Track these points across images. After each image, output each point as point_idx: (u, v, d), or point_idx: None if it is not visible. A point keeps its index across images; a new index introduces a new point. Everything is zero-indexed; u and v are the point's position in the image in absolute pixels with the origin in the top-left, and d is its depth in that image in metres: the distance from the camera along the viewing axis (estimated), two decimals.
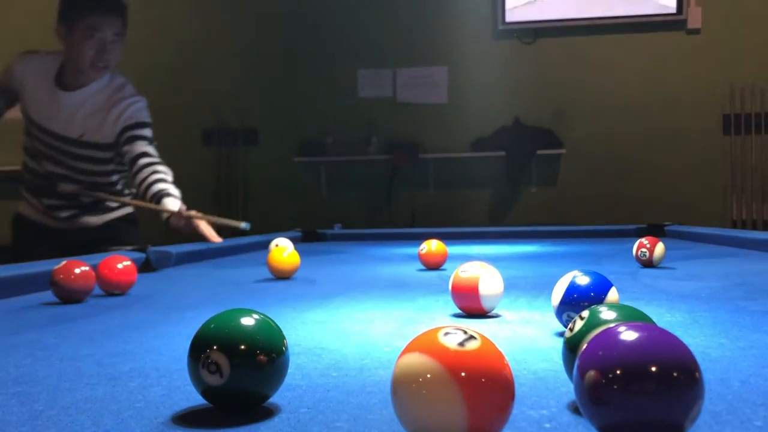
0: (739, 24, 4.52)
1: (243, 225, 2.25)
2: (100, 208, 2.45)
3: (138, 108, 2.34)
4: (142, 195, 2.27)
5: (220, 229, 2.33)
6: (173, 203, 2.21)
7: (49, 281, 1.25)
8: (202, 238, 2.23)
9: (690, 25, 4.55)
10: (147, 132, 2.34)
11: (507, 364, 0.48)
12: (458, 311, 1.07)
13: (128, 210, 2.53)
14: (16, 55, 2.40)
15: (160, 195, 2.22)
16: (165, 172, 2.29)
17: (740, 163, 4.52)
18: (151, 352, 0.84)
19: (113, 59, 2.29)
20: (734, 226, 4.46)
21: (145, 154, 2.28)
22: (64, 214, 2.40)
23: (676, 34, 4.59)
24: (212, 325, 0.60)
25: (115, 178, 2.44)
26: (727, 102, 4.53)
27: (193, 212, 2.20)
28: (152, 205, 2.22)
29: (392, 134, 4.76)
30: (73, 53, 2.26)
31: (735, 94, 4.51)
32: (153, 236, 2.19)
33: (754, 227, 4.45)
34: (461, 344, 0.47)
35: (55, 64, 2.33)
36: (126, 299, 1.31)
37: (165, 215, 2.21)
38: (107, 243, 2.27)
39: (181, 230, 2.22)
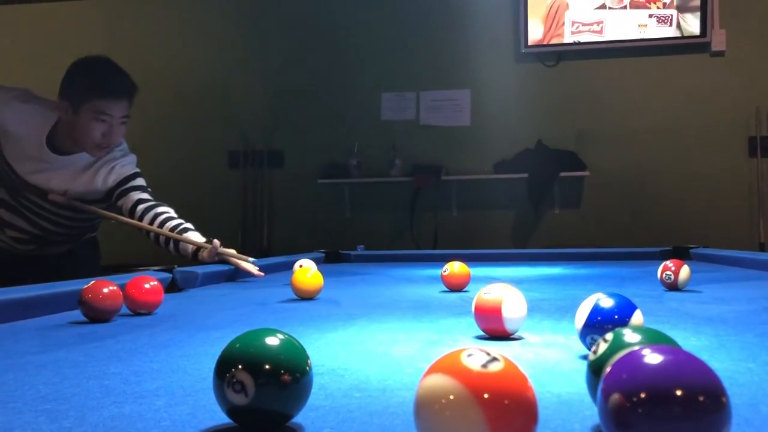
0: (763, 46, 4.49)
1: (251, 260, 2.18)
2: (67, 241, 2.40)
3: (124, 163, 2.27)
4: (154, 239, 2.19)
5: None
6: (198, 237, 2.15)
7: (77, 300, 1.27)
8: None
9: (714, 48, 4.52)
10: (138, 181, 2.27)
11: (530, 387, 0.48)
12: (481, 333, 1.07)
13: (90, 234, 2.49)
14: (4, 94, 2.23)
15: (179, 231, 2.15)
16: (167, 210, 2.22)
17: (767, 185, 4.46)
18: (177, 371, 0.85)
19: (117, 139, 2.23)
20: (762, 248, 4.38)
21: (140, 201, 2.22)
22: (29, 246, 2.35)
23: (700, 57, 4.56)
24: (237, 345, 0.60)
25: (96, 223, 2.43)
26: (752, 124, 4.48)
27: (227, 249, 2.13)
28: (181, 237, 2.14)
29: (415, 156, 4.77)
30: (76, 131, 2.17)
31: (761, 116, 4.46)
32: (116, 258, 2.14)
33: None
34: (484, 366, 0.47)
35: (49, 122, 2.20)
36: (153, 319, 1.33)
37: (192, 248, 2.13)
38: (69, 269, 2.21)
39: (211, 263, 2.14)
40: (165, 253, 2.22)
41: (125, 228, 2.26)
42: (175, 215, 2.22)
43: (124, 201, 2.23)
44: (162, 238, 2.18)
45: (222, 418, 0.61)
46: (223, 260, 2.14)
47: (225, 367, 0.59)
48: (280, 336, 0.61)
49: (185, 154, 5.02)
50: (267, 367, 0.58)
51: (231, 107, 5.06)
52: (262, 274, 2.10)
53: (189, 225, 2.20)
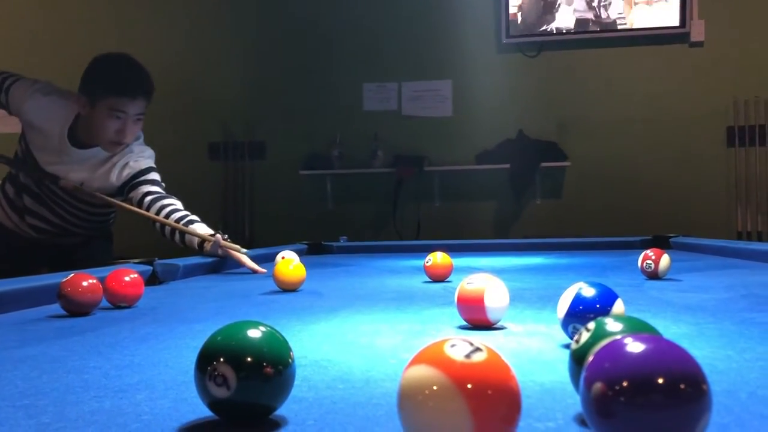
0: (742, 36, 4.53)
1: (243, 251, 2.17)
2: (84, 233, 2.43)
3: (139, 158, 2.28)
4: (160, 229, 2.19)
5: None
6: (204, 228, 2.15)
7: (56, 294, 1.26)
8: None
9: (693, 38, 4.55)
10: (151, 176, 2.27)
11: (513, 376, 0.48)
12: (464, 323, 1.07)
13: (108, 227, 2.53)
14: (27, 87, 2.27)
15: (185, 223, 2.15)
16: (174, 203, 2.22)
17: (745, 175, 4.51)
18: (158, 365, 0.84)
19: (132, 136, 2.24)
20: (739, 237, 4.44)
21: (148, 193, 2.22)
22: (46, 235, 2.39)
23: (679, 47, 4.59)
24: (219, 338, 0.60)
25: (111, 217, 2.48)
26: (731, 114, 4.52)
27: (231, 244, 2.11)
28: (186, 229, 2.13)
29: (398, 147, 4.77)
30: (92, 126, 2.20)
31: (739, 106, 4.51)
32: (126, 251, 2.16)
33: (760, 239, 4.43)
34: (467, 356, 0.47)
35: (70, 114, 2.24)
36: (133, 312, 1.32)
37: (197, 241, 2.13)
38: (81, 259, 2.27)
39: (215, 257, 2.14)
40: (171, 244, 2.22)
41: (139, 220, 2.25)
42: (182, 207, 2.23)
43: (134, 194, 2.25)
44: (168, 229, 2.18)
45: (204, 412, 0.61)
46: (227, 254, 2.13)
47: (206, 360, 0.58)
48: (262, 328, 0.60)
49: (164, 145, 4.93)
50: (249, 359, 0.57)
51: (211, 98, 5.01)
52: (264, 271, 2.05)
53: (195, 217, 2.20)
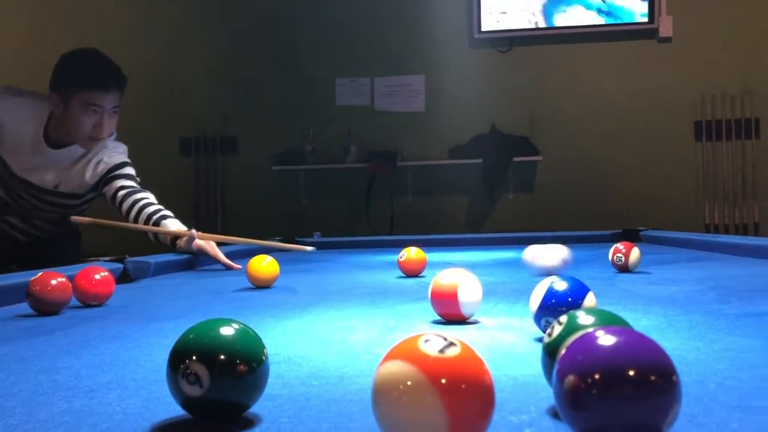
0: (709, 32, 4.60)
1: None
2: (55, 236, 2.42)
3: (113, 153, 2.27)
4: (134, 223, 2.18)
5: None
6: (176, 224, 2.14)
7: (24, 293, 1.23)
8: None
9: (662, 34, 4.62)
10: (126, 170, 2.27)
11: (487, 371, 0.48)
12: (438, 318, 1.07)
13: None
14: None
15: (157, 219, 2.13)
16: (147, 197, 2.21)
17: (712, 168, 4.60)
18: (130, 364, 0.83)
19: (108, 131, 2.22)
20: (707, 230, 4.52)
21: (122, 188, 2.22)
22: (17, 237, 2.39)
23: (648, 43, 4.65)
24: (191, 336, 0.59)
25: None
26: (698, 109, 4.60)
27: (205, 243, 2.09)
28: (160, 230, 2.11)
29: (371, 142, 4.76)
30: (68, 124, 2.17)
31: (706, 101, 4.58)
32: (96, 249, 2.14)
33: (727, 231, 4.52)
34: (441, 351, 0.47)
35: (44, 115, 2.20)
36: (104, 310, 1.30)
37: (170, 238, 2.12)
38: (49, 256, 2.25)
39: (188, 253, 2.12)
40: (144, 241, 2.21)
41: (112, 218, 2.24)
42: (155, 202, 2.22)
43: (107, 189, 2.25)
44: (141, 224, 2.16)
45: (177, 410, 0.60)
46: (201, 250, 2.10)
47: (179, 358, 0.58)
48: (235, 325, 0.60)
49: (135, 140, 4.87)
50: (222, 357, 0.57)
51: (182, 92, 4.95)
52: (238, 267, 2.03)
53: (168, 212, 2.19)
